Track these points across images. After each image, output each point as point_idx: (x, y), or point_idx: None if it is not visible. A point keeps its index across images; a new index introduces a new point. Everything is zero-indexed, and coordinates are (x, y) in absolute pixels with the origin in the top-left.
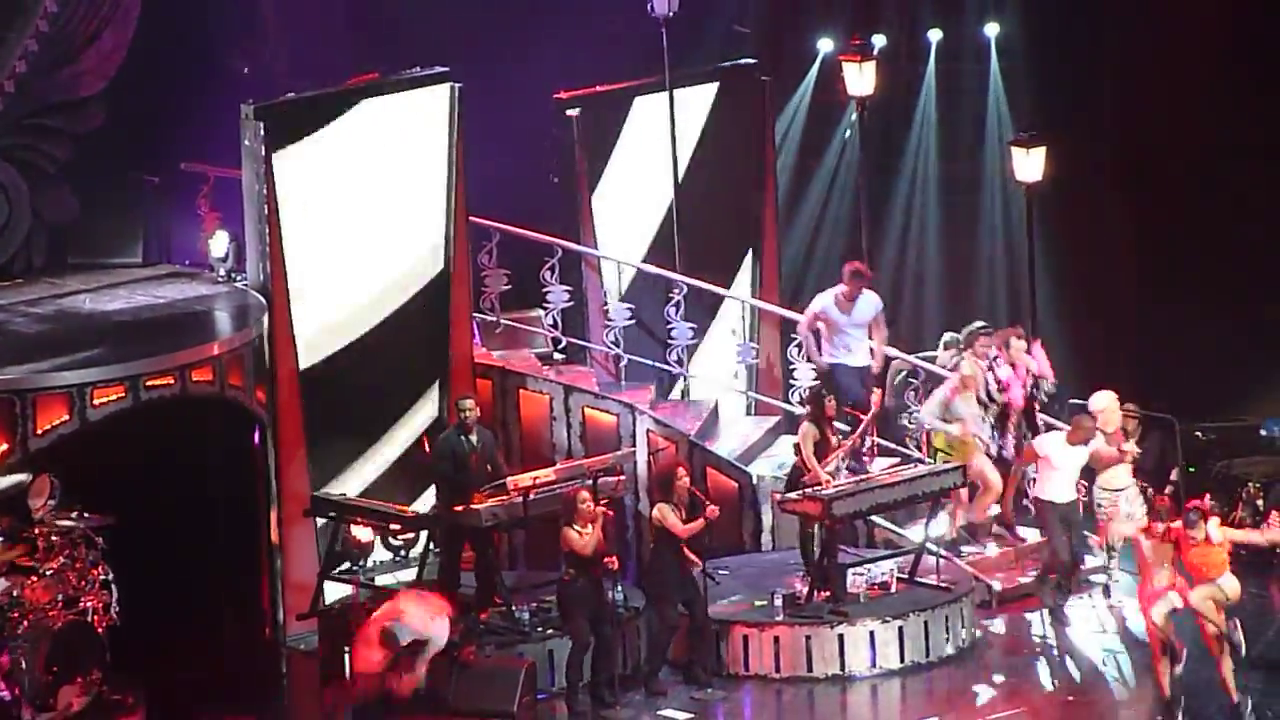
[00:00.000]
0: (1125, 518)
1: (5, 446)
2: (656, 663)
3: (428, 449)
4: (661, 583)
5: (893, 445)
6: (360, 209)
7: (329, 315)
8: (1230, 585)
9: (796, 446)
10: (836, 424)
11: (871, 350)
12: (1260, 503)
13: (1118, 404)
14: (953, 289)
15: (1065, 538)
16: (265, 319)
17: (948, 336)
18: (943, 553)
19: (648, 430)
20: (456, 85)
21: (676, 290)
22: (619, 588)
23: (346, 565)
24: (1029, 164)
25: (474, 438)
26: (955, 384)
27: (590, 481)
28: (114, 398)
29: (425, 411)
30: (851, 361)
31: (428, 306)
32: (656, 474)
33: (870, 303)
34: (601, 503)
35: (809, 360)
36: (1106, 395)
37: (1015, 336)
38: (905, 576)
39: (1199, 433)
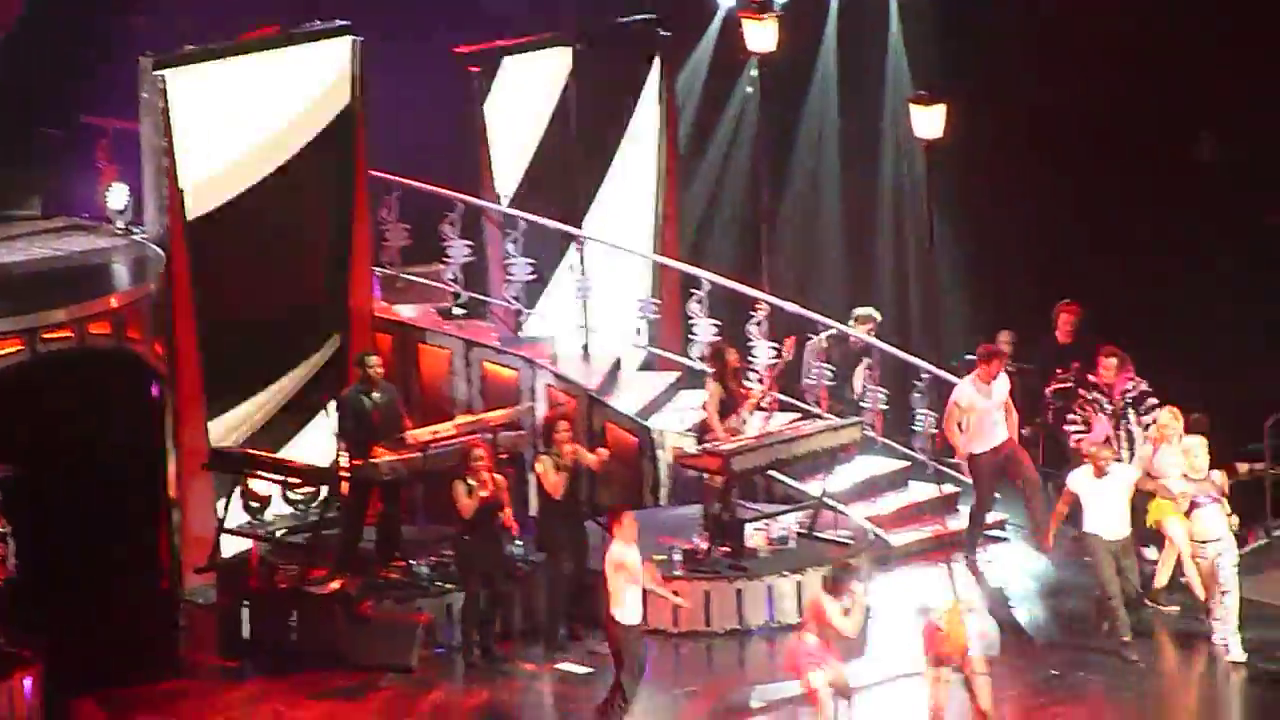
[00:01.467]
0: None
1: None
2: (554, 616)
3: (331, 406)
4: (549, 536)
5: (793, 401)
6: (259, 162)
7: (228, 268)
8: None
9: (705, 404)
10: (741, 379)
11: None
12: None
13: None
14: (853, 246)
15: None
16: (163, 272)
17: (860, 311)
18: (841, 507)
19: (548, 385)
20: (357, 39)
21: (579, 245)
22: (519, 543)
23: (245, 518)
24: (928, 121)
25: (377, 394)
26: (1154, 435)
27: (490, 436)
28: (11, 350)
29: (323, 365)
30: (992, 444)
31: (327, 260)
32: (541, 424)
33: (1003, 381)
34: (501, 456)
35: (956, 455)
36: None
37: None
38: (804, 531)
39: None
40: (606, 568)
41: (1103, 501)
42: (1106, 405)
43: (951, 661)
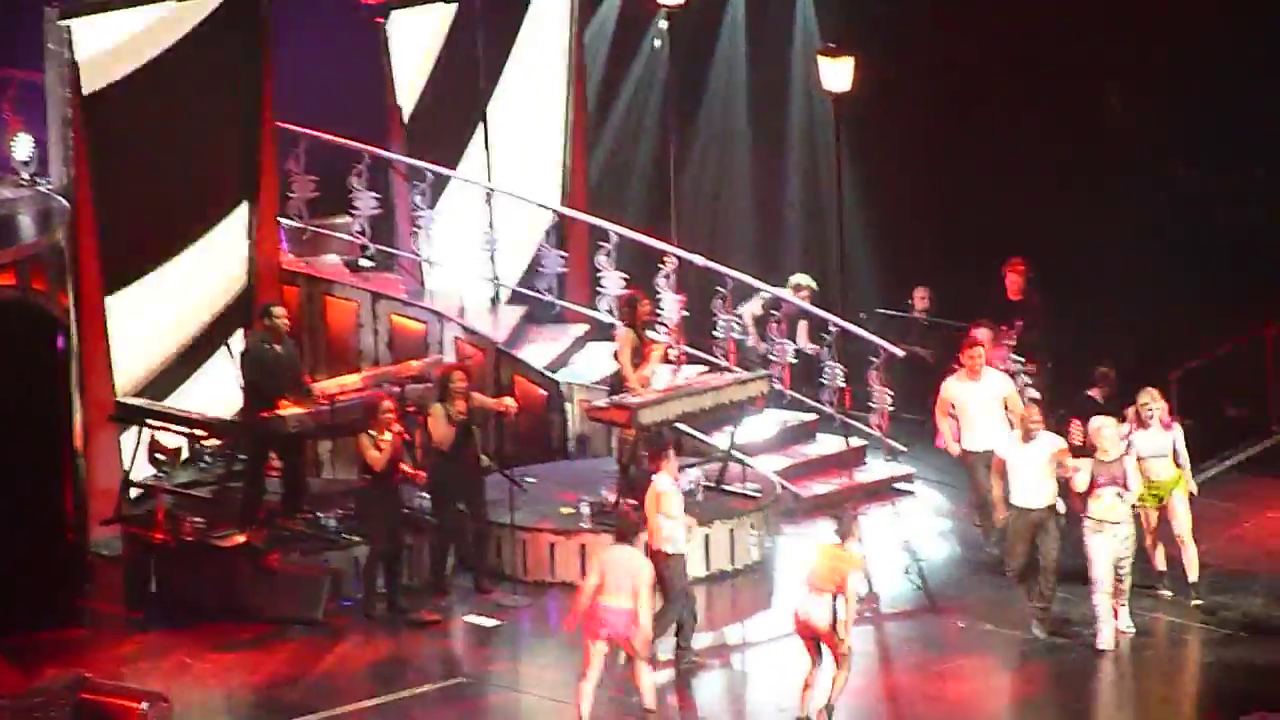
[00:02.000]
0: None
1: None
2: (439, 566)
3: (235, 357)
4: (438, 486)
5: (701, 353)
6: (165, 113)
7: (132, 219)
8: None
9: (616, 354)
10: (650, 330)
11: None
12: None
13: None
14: (761, 199)
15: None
16: (68, 223)
17: (798, 279)
18: (748, 461)
19: (456, 338)
20: None
21: (488, 199)
22: (423, 495)
23: (152, 471)
24: (836, 74)
25: (280, 347)
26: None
27: (398, 389)
28: None
29: (232, 315)
30: (985, 445)
31: (234, 213)
32: (437, 374)
33: (996, 378)
34: (409, 409)
35: (936, 441)
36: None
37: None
38: (712, 484)
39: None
40: (647, 502)
41: (1024, 470)
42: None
43: (822, 588)
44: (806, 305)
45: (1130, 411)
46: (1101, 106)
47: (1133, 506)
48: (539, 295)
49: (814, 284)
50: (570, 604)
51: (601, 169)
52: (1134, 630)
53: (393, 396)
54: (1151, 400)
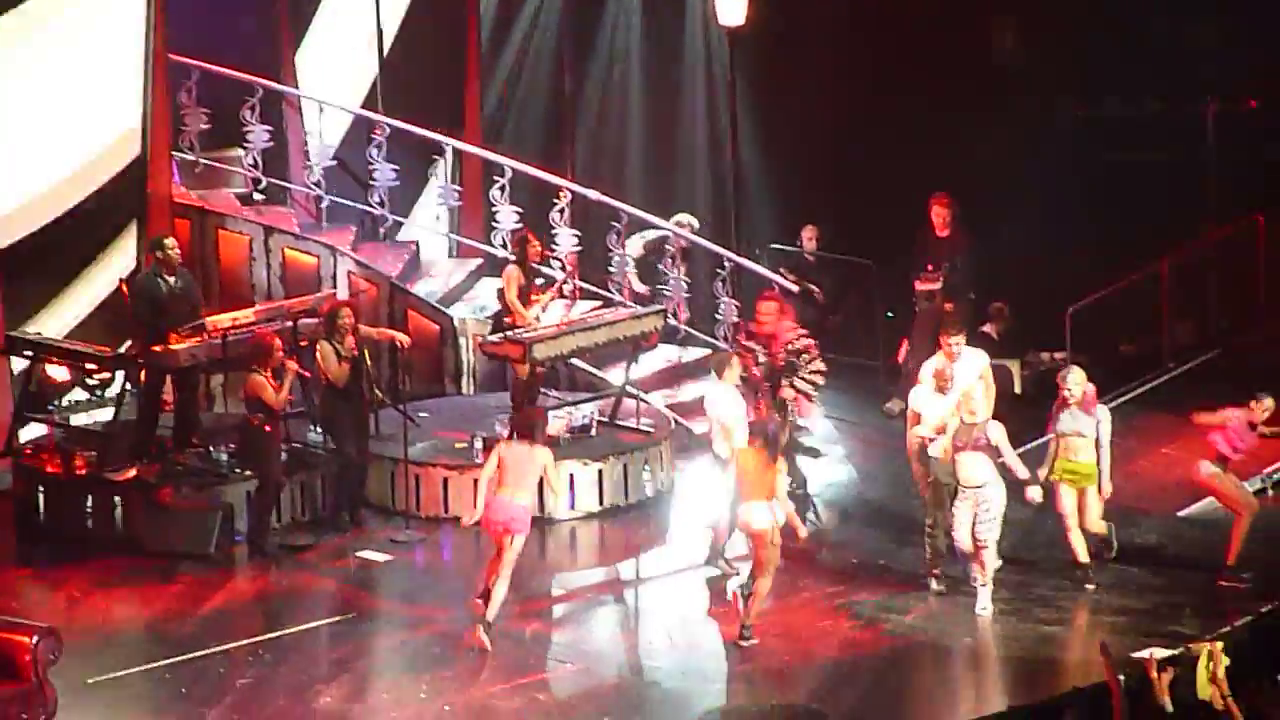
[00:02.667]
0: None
1: None
2: (341, 501)
3: (125, 290)
4: (330, 422)
5: (595, 289)
6: (52, 48)
7: (20, 153)
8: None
9: (500, 291)
10: (544, 267)
11: None
12: None
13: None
14: (657, 134)
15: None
16: None
17: (682, 218)
18: (643, 396)
19: (349, 272)
20: None
21: (379, 131)
22: (316, 430)
23: (41, 405)
24: (731, 8)
25: (173, 279)
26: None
27: (290, 323)
28: None
29: (123, 251)
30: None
31: (124, 146)
32: (323, 311)
33: (972, 359)
34: (302, 344)
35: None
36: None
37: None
38: (606, 420)
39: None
40: None
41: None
42: (763, 358)
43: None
44: (694, 238)
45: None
46: (993, 43)
47: (1047, 482)
48: (432, 229)
49: (695, 222)
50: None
51: (496, 103)
52: (987, 612)
53: (285, 332)
54: (1075, 383)
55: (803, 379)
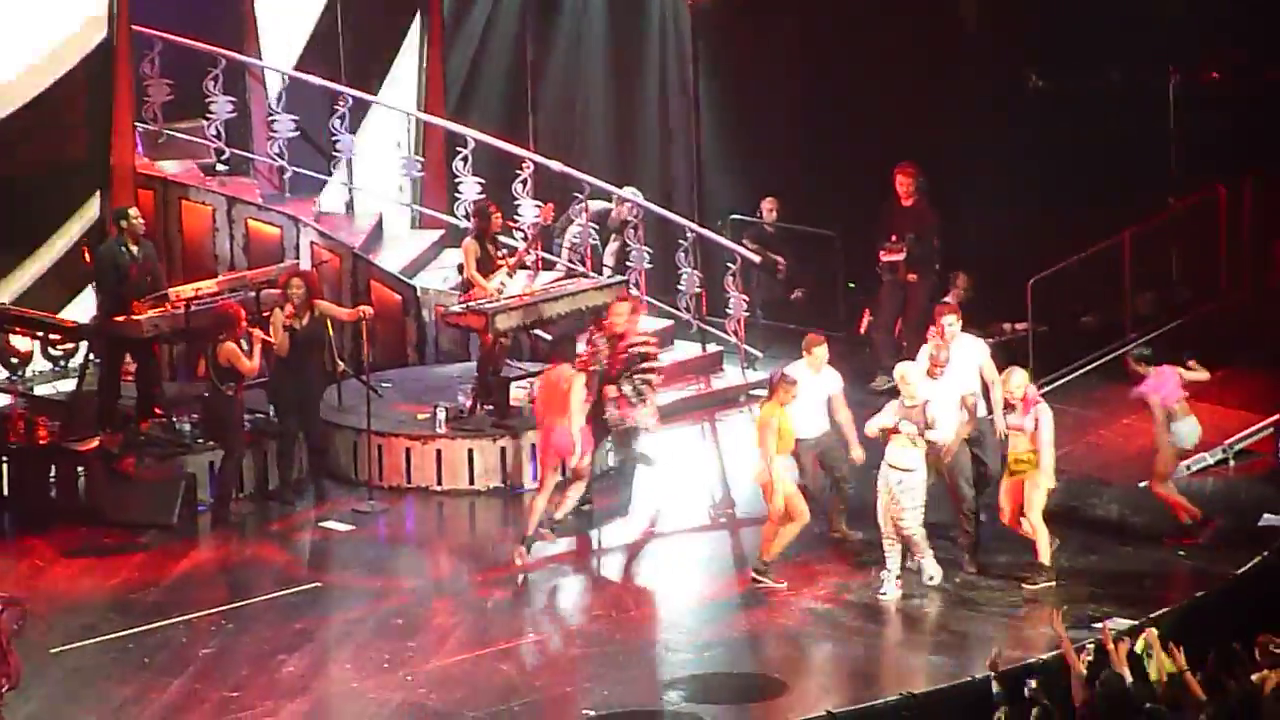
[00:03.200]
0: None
1: None
2: (284, 474)
3: (88, 259)
4: (275, 391)
5: (557, 260)
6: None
7: None
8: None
9: (461, 265)
10: (505, 238)
11: None
12: None
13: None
14: (619, 104)
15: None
16: None
17: (629, 191)
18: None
19: (311, 243)
20: None
21: (343, 103)
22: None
23: (4, 374)
24: None
25: (136, 248)
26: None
27: (253, 294)
28: None
29: (85, 220)
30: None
31: (88, 115)
32: (280, 282)
33: (967, 351)
34: (264, 315)
35: None
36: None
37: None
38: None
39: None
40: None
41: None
42: (604, 358)
43: None
44: (645, 204)
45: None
46: (958, 11)
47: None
48: (396, 200)
49: (637, 194)
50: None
51: (458, 73)
52: (889, 597)
53: (247, 302)
54: (1016, 385)
55: (631, 384)
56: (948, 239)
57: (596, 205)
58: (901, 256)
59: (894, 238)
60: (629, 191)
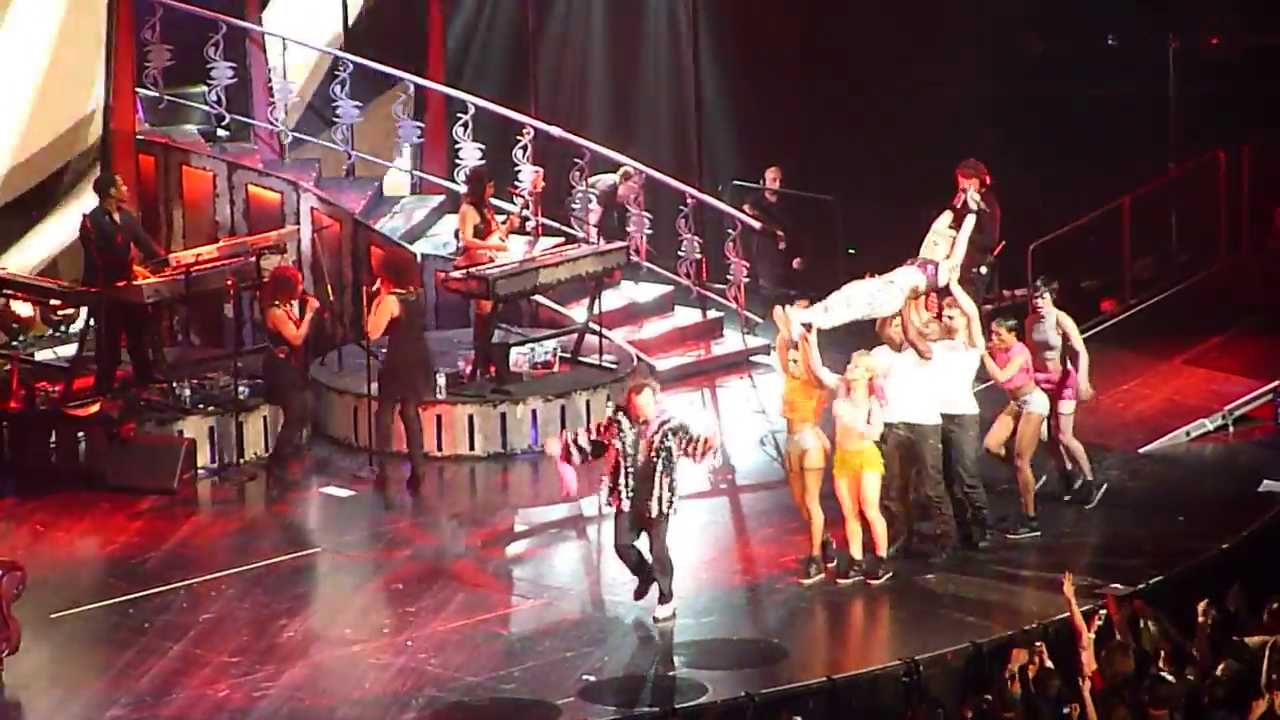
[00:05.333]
0: None
1: None
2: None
3: (88, 227)
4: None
5: (558, 225)
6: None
7: None
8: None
9: (457, 230)
10: (505, 204)
11: None
12: None
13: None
14: (620, 69)
15: None
16: None
17: (627, 169)
18: (605, 332)
19: (312, 208)
20: None
21: (343, 69)
22: None
23: (5, 340)
24: None
25: (118, 216)
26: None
27: (254, 259)
28: None
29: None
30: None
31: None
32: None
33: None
34: (265, 281)
35: None
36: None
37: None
38: (569, 356)
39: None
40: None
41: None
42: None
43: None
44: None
45: None
46: None
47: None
48: (396, 165)
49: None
50: None
51: (459, 38)
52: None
53: (248, 268)
54: (874, 365)
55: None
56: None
57: (605, 181)
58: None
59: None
60: (631, 168)
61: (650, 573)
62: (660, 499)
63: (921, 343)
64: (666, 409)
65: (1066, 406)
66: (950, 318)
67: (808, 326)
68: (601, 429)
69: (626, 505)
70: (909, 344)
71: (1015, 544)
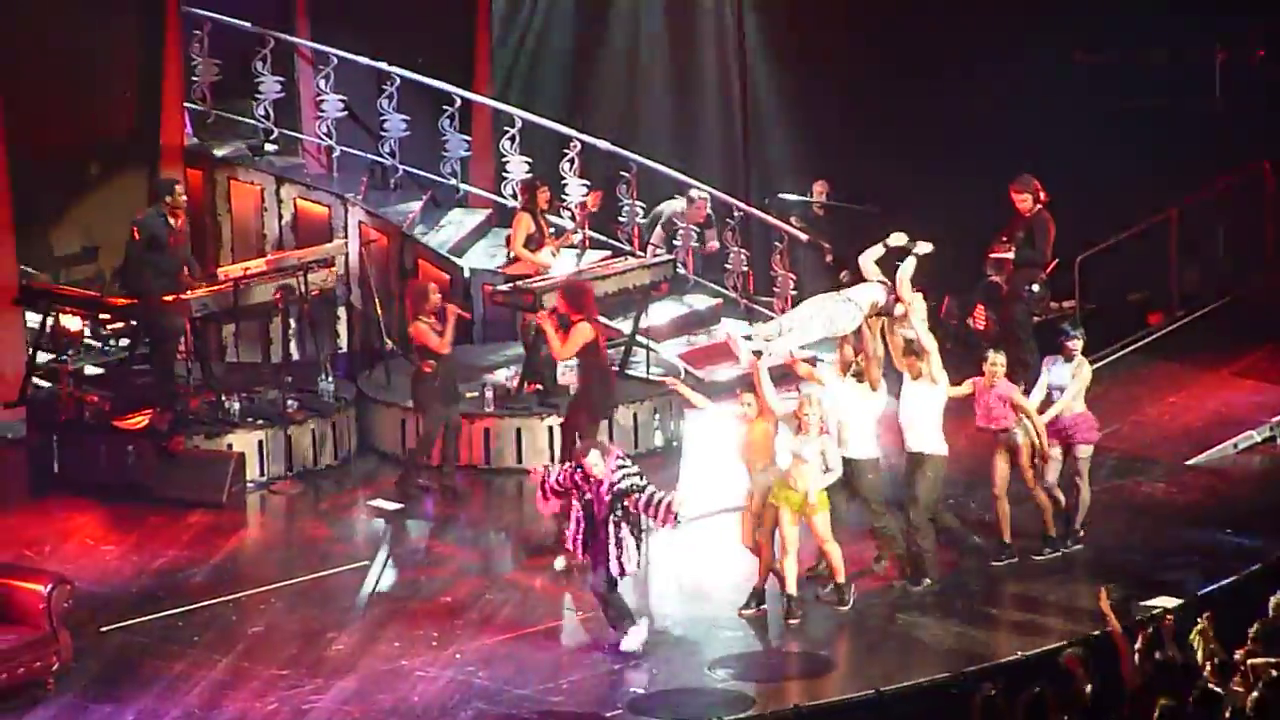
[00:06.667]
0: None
1: None
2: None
3: (136, 234)
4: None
5: (604, 238)
6: None
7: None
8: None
9: (508, 238)
10: (551, 216)
11: None
12: None
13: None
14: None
15: None
16: None
17: (694, 194)
18: (653, 345)
19: (359, 222)
20: None
21: (389, 83)
22: (326, 378)
23: (55, 354)
24: None
25: (174, 221)
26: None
27: (302, 273)
28: None
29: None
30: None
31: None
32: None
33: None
34: (314, 294)
35: None
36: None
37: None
38: (616, 369)
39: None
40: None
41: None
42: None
43: None
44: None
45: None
46: None
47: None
48: (443, 179)
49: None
50: None
51: (507, 51)
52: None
53: (297, 281)
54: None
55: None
56: (998, 217)
57: (671, 206)
58: (1010, 255)
59: (1004, 238)
60: (696, 193)
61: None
62: (620, 558)
63: (875, 368)
64: (623, 469)
65: (1084, 451)
66: (914, 355)
67: (758, 354)
68: (565, 477)
69: (583, 559)
70: (864, 365)
71: (1064, 557)
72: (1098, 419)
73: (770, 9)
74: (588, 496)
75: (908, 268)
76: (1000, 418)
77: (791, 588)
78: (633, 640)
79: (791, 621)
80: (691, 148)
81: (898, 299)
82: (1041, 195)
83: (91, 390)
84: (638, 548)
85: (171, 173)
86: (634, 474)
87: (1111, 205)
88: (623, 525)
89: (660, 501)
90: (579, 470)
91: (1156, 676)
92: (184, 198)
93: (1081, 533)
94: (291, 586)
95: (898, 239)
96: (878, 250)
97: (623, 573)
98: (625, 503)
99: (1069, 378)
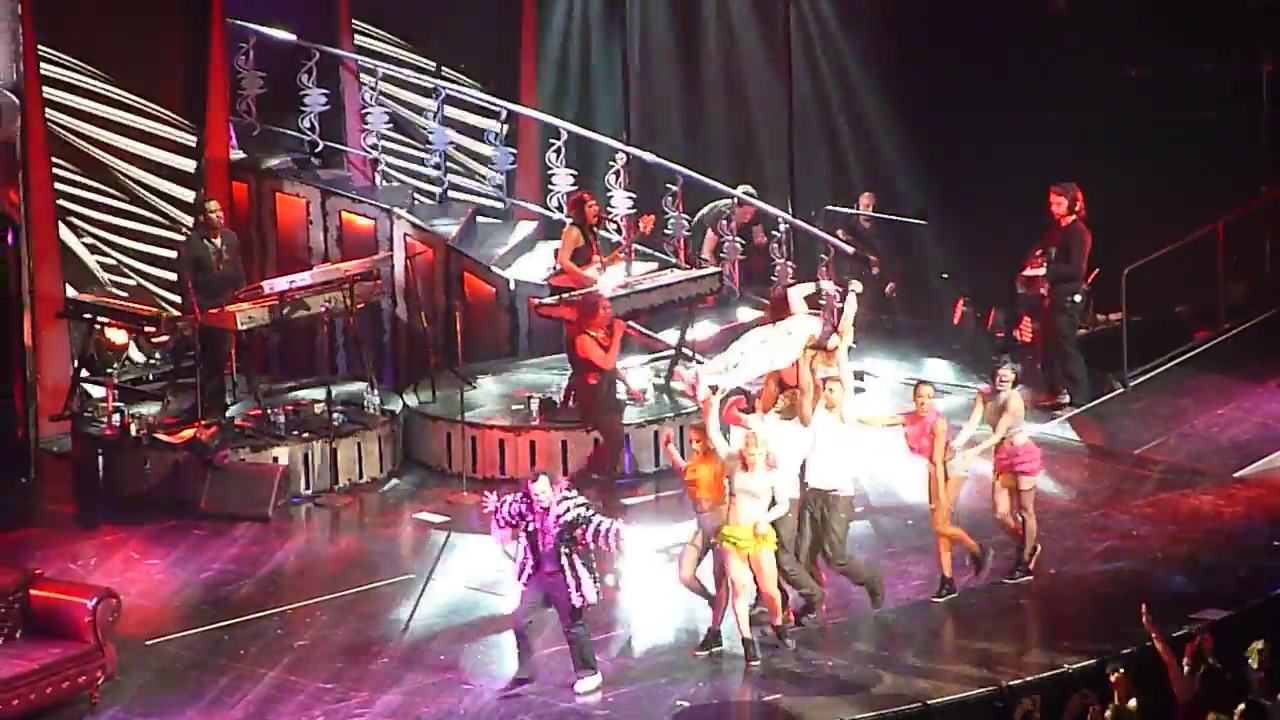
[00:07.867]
0: None
1: None
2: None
3: (178, 253)
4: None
5: (650, 250)
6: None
7: (80, 116)
8: None
9: (557, 251)
10: (599, 230)
11: None
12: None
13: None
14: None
15: None
16: (18, 119)
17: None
18: (699, 357)
19: (405, 234)
20: None
21: (437, 96)
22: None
23: (101, 368)
24: None
25: (218, 240)
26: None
27: (348, 286)
28: None
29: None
30: None
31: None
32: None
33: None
34: (359, 306)
35: None
36: None
37: None
38: (662, 381)
39: None
40: None
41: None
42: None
43: None
44: (755, 203)
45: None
46: (1051, 4)
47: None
48: (489, 192)
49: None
50: None
51: (552, 65)
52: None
53: (343, 294)
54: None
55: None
56: (1044, 229)
57: (718, 207)
58: (1041, 271)
59: (1039, 252)
60: (743, 190)
61: (525, 651)
62: (580, 589)
63: (806, 404)
64: (567, 499)
65: (1026, 483)
66: (830, 390)
67: (713, 389)
68: (513, 507)
69: (534, 586)
70: (797, 396)
71: (1104, 572)
72: (1145, 431)
73: (821, 21)
74: (533, 527)
75: (851, 305)
76: (927, 449)
77: (745, 630)
78: (588, 684)
79: (752, 664)
80: (746, 161)
81: (836, 332)
82: (1079, 206)
83: (136, 404)
84: (593, 579)
85: (217, 189)
86: (580, 504)
87: (1159, 217)
88: (574, 557)
89: (607, 531)
90: (526, 500)
91: (1206, 689)
92: (217, 214)
93: (1031, 564)
94: (337, 600)
95: (825, 286)
96: (809, 288)
97: (585, 603)
98: (574, 534)
99: (996, 411)
